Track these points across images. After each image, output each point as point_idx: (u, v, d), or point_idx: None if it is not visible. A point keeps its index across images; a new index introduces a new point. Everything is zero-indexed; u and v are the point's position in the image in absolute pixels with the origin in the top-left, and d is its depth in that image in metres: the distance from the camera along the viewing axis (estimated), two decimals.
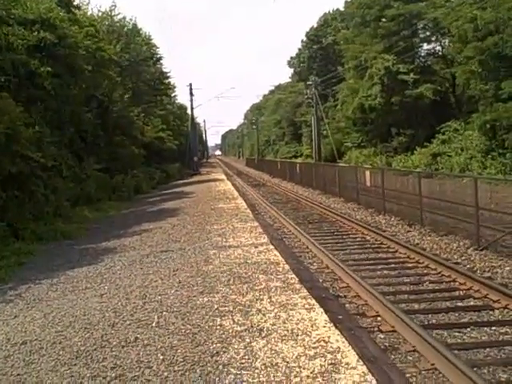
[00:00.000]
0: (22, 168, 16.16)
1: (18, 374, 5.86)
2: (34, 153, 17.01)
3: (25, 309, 8.51)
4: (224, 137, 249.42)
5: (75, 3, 29.12)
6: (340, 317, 7.37)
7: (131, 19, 44.55)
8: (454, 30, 32.62)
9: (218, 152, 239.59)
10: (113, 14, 40.97)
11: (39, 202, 17.26)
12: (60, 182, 20.21)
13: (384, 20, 43.52)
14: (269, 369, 5.45)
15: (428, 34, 42.68)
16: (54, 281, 10.36)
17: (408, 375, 6.01)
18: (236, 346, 6.11)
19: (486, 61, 29.71)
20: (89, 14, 33.88)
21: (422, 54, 44.39)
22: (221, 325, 6.87)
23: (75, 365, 5.97)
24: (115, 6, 42.40)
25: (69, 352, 6.37)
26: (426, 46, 44.07)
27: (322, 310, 7.20)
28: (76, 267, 11.47)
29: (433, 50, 44.17)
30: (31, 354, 6.46)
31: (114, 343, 6.53)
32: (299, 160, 56.67)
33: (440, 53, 43.12)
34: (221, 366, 5.60)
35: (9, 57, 19.27)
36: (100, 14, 38.92)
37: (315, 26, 74.04)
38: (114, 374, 5.62)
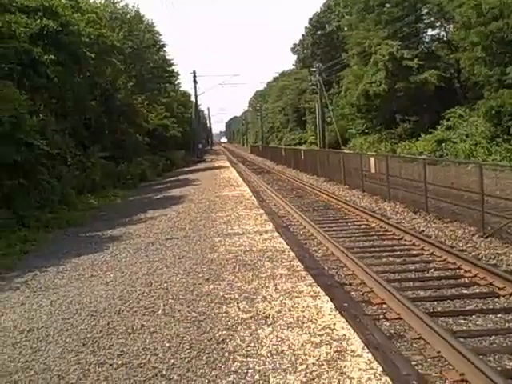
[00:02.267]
0: (27, 156, 16.18)
1: (26, 361, 5.90)
2: (39, 141, 17.02)
3: (31, 296, 8.56)
4: (228, 124, 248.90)
5: None
6: (345, 304, 7.39)
7: (134, 6, 44.40)
8: (458, 15, 32.36)
9: (223, 139, 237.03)
10: (115, 1, 40.83)
11: (44, 190, 17.29)
12: (65, 170, 20.25)
13: (388, 5, 43.20)
14: (275, 356, 5.47)
15: (432, 19, 42.36)
16: (60, 268, 10.41)
17: (413, 363, 6.02)
18: (242, 334, 6.13)
19: (490, 46, 29.52)
20: (91, 1, 33.72)
21: (427, 40, 44.14)
22: (226, 312, 6.90)
23: (82, 352, 6.01)
24: None
25: (75, 339, 6.41)
26: (430, 32, 43.83)
27: (327, 297, 7.21)
28: (82, 255, 11.51)
29: (437, 36, 43.91)
30: (38, 341, 6.50)
31: (121, 330, 6.57)
32: (303, 147, 56.53)
33: (444, 38, 42.84)
34: (227, 354, 5.63)
35: (12, 45, 19.22)
36: (103, 1, 38.74)
37: (318, 11, 73.58)
38: (120, 362, 5.65)
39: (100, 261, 10.78)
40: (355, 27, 48.84)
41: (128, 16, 42.63)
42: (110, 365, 5.61)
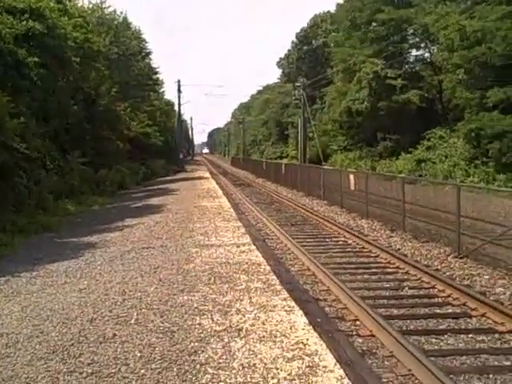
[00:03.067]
0: (6, 159, 15.99)
1: None
2: (18, 144, 16.84)
3: (2, 301, 8.42)
4: (211, 135, 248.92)
5: None
6: (319, 320, 7.39)
7: (121, 12, 44.40)
8: (442, 38, 32.84)
9: (205, 150, 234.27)
10: (103, 6, 40.81)
11: (21, 194, 17.10)
12: (43, 174, 20.03)
13: (374, 24, 43.72)
14: (246, 369, 5.45)
15: (417, 40, 42.94)
16: (33, 274, 10.27)
17: (384, 380, 6.05)
18: (214, 346, 6.10)
19: (472, 69, 29.98)
20: (79, 5, 33.68)
21: (411, 60, 44.68)
22: (200, 324, 6.86)
23: (51, 359, 5.92)
24: None
25: (45, 346, 6.32)
26: (414, 53, 44.41)
27: (301, 312, 7.21)
28: (56, 261, 11.37)
29: (421, 57, 44.48)
30: (7, 347, 6.39)
31: (92, 339, 6.49)
32: (285, 161, 56.73)
33: (428, 60, 43.41)
34: (198, 366, 5.59)
35: None
36: (90, 5, 38.72)
37: (305, 27, 74.18)
38: (90, 370, 5.58)
39: (74, 268, 10.66)
40: (341, 44, 49.31)
41: (115, 22, 42.61)
42: (80, 373, 5.53)
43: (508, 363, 6.58)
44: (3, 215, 15.33)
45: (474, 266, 11.35)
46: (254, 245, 12.34)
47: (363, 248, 13.96)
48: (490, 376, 6.20)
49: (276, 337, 6.33)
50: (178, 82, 60.14)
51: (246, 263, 10.30)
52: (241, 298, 7.95)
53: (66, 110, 24.80)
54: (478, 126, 28.36)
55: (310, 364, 5.51)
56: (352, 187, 21.42)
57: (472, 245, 12.44)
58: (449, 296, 9.29)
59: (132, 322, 7.07)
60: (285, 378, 5.22)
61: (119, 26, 42.68)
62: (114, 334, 6.60)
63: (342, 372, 5.32)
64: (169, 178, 44.95)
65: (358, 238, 15.06)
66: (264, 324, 6.78)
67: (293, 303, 7.62)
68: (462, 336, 7.47)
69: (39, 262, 11.32)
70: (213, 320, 6.99)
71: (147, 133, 44.55)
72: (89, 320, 7.20)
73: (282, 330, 6.55)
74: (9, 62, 19.52)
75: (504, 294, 9.42)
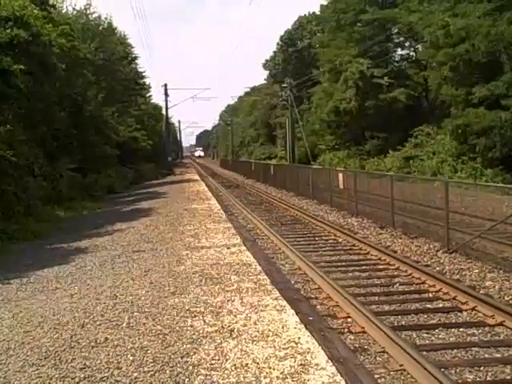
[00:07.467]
0: None
1: None
2: (5, 151, 16.76)
3: None
4: (199, 137, 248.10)
5: (50, 2, 28.77)
6: (311, 318, 7.41)
7: (106, 18, 44.19)
8: (427, 35, 33.05)
9: (198, 152, 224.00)
10: (88, 12, 40.64)
11: (10, 201, 17.00)
12: (31, 181, 19.93)
13: (359, 24, 43.91)
14: (239, 369, 5.47)
15: (402, 39, 43.23)
16: (23, 281, 10.22)
17: (377, 376, 6.07)
18: (206, 347, 6.11)
19: (457, 66, 30.16)
20: (63, 11, 33.50)
21: (396, 59, 44.95)
22: (192, 325, 6.87)
23: (43, 365, 5.90)
24: (90, 4, 41.88)
25: (37, 353, 6.29)
26: (399, 51, 44.73)
27: (293, 311, 7.23)
28: (46, 267, 11.32)
29: (406, 55, 44.78)
30: None
31: (84, 344, 6.47)
32: (273, 161, 56.77)
33: (413, 58, 43.69)
34: (191, 367, 5.59)
35: None
36: (75, 12, 38.53)
37: (290, 28, 74.24)
38: (82, 375, 5.57)
39: (65, 273, 10.63)
40: (327, 45, 49.46)
41: (100, 28, 42.44)
42: (72, 378, 5.52)
43: (498, 355, 6.63)
44: None
45: (463, 261, 11.42)
46: (245, 245, 12.36)
47: (353, 246, 14.00)
48: (481, 368, 6.24)
49: (268, 336, 6.34)
50: (165, 85, 60.06)
51: (237, 264, 10.31)
52: (232, 298, 7.96)
53: (53, 116, 24.69)
54: (465, 122, 28.55)
55: (303, 362, 5.54)
56: (341, 186, 21.47)
57: (461, 239, 12.53)
58: (439, 291, 9.34)
59: (124, 325, 7.06)
60: (277, 377, 5.24)
61: (104, 32, 42.49)
62: (106, 338, 6.59)
63: (334, 369, 5.35)
64: (158, 181, 44.86)
65: (348, 236, 15.10)
66: (256, 324, 6.79)
67: (284, 302, 7.64)
68: (452, 330, 7.52)
69: (29, 269, 11.26)
70: (204, 321, 7.00)
71: (135, 137, 44.41)
72: (80, 325, 7.18)
73: (273, 329, 6.57)
74: None
75: (494, 287, 9.49)
